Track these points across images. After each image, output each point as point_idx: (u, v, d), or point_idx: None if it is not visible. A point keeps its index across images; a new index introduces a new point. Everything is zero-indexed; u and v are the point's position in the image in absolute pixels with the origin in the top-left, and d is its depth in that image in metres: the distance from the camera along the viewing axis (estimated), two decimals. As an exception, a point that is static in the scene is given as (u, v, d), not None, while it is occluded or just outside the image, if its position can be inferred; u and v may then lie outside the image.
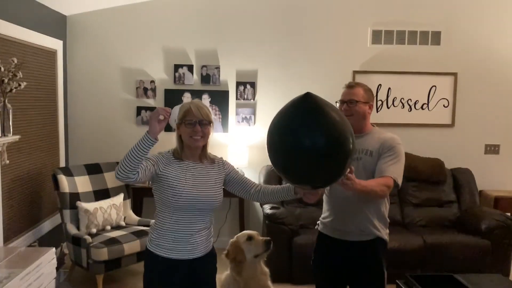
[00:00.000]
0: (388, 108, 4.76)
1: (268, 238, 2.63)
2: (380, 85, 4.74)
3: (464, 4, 4.70)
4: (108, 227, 3.80)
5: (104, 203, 3.86)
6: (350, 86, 2.34)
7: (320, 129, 1.74)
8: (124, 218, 4.02)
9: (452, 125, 4.77)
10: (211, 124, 2.13)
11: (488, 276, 3.00)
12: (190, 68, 4.65)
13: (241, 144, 4.61)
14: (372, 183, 2.15)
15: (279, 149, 1.83)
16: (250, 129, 4.70)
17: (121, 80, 4.66)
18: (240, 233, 2.70)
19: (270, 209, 3.96)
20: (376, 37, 4.69)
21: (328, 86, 4.67)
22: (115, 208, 3.90)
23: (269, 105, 4.70)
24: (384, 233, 2.32)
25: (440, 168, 4.48)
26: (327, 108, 1.79)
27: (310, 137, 1.72)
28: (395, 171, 2.19)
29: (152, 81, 4.65)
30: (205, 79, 4.67)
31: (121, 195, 4.06)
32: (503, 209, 4.42)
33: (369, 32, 4.68)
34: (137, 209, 4.39)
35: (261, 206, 4.37)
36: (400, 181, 2.21)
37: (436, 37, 4.70)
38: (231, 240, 2.66)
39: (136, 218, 4.11)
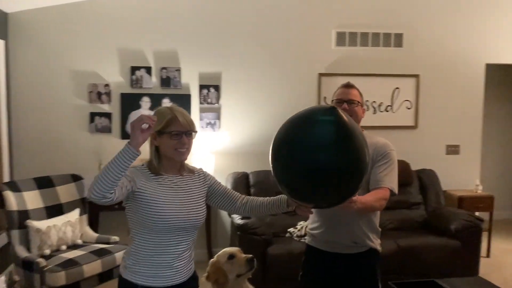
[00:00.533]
0: (353, 110, 4.70)
1: (251, 255, 2.42)
2: (345, 87, 4.67)
3: (425, 6, 4.76)
4: (64, 247, 3.43)
5: (58, 220, 3.47)
6: (349, 86, 2.22)
7: (348, 149, 1.59)
8: (81, 235, 3.65)
9: (415, 126, 4.81)
10: (195, 133, 1.90)
11: (469, 279, 2.99)
12: (149, 70, 4.35)
13: (206, 150, 4.36)
14: (371, 199, 2.04)
15: (289, 166, 1.63)
16: (215, 134, 4.47)
17: (72, 84, 4.26)
18: (221, 251, 2.47)
19: (241, 219, 3.75)
20: (340, 39, 4.63)
21: (294, 89, 4.57)
22: (70, 225, 3.53)
23: (235, 109, 4.50)
24: (377, 243, 2.22)
25: (406, 170, 4.48)
26: (355, 127, 1.63)
27: (334, 157, 1.56)
28: (391, 180, 2.11)
29: (107, 85, 4.29)
30: (165, 82, 4.38)
31: (77, 211, 3.68)
32: (467, 208, 4.50)
33: (333, 34, 4.61)
34: (93, 225, 4.01)
35: (229, 215, 4.15)
36: (396, 190, 2.12)
37: (398, 39, 4.72)
38: (211, 260, 2.43)
39: (94, 235, 3.75)
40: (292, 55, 4.57)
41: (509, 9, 4.88)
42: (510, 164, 6.23)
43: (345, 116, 1.61)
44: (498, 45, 4.89)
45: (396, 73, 4.73)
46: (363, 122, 2.23)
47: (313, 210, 2.26)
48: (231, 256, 2.39)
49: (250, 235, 3.64)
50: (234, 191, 2.05)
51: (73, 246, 3.49)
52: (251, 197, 2.04)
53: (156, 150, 1.87)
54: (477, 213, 4.40)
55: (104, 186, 1.59)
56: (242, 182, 4.28)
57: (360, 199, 1.92)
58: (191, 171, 1.97)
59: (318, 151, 1.56)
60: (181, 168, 1.93)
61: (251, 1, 4.48)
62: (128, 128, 4.31)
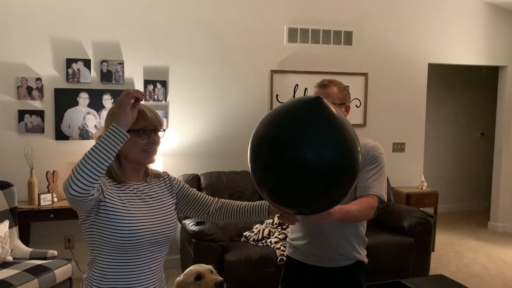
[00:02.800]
0: (305, 108, 4.62)
1: (221, 279, 2.17)
2: (297, 85, 4.58)
3: (374, 5, 4.79)
4: (-9, 266, 2.96)
5: (-17, 236, 3.00)
6: (323, 86, 2.00)
7: (338, 145, 1.40)
8: (11, 251, 3.18)
9: (364, 124, 4.83)
10: (164, 132, 1.63)
11: (431, 278, 2.99)
12: (87, 63, 3.92)
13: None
14: (355, 208, 1.84)
15: (271, 166, 1.42)
16: (163, 134, 4.14)
17: (-4, 77, 3.73)
18: (188, 269, 2.21)
19: (196, 225, 3.49)
20: (292, 35, 4.51)
21: (246, 86, 4.38)
22: (-2, 240, 3.06)
23: (183, 106, 4.21)
24: (364, 255, 2.05)
25: (358, 168, 4.48)
26: (343, 119, 1.45)
27: (320, 154, 1.36)
28: (380, 186, 1.93)
29: (38, 79, 3.81)
30: (106, 76, 3.98)
31: (6, 223, 3.21)
32: (415, 204, 4.61)
33: (285, 30, 4.48)
34: (23, 238, 3.53)
35: (180, 221, 3.87)
36: (385, 196, 1.95)
37: (348, 37, 4.70)
38: (177, 279, 2.15)
39: (27, 249, 3.30)
40: (244, 50, 4.37)
41: (451, 11, 5.06)
42: (449, 160, 6.54)
43: (332, 108, 1.43)
44: (440, 45, 5.06)
45: (346, 71, 4.71)
46: None
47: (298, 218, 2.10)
48: (199, 277, 2.13)
49: (206, 242, 3.40)
50: (205, 195, 1.80)
51: (3, 265, 3.03)
52: (226, 200, 1.80)
53: (116, 156, 1.58)
54: (421, 209, 4.50)
55: (88, 178, 1.31)
56: (193, 184, 4.01)
57: (341, 208, 1.74)
58: (157, 176, 1.69)
59: (303, 149, 1.37)
60: (146, 174, 1.65)
61: (200, -8, 4.22)
62: (64, 127, 3.91)
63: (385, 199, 1.95)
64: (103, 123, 3.92)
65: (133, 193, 1.58)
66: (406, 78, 4.98)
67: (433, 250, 4.71)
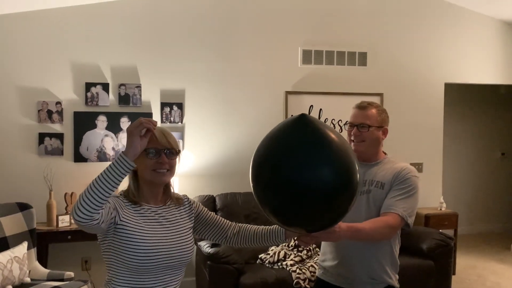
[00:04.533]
0: (320, 129, 4.62)
1: None
2: (311, 106, 4.59)
3: (388, 26, 4.81)
4: (10, 287, 2.99)
5: (3, 257, 3.04)
6: (362, 107, 1.99)
7: (327, 160, 1.41)
8: (29, 272, 3.22)
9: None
10: (179, 154, 1.66)
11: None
12: (105, 87, 4.02)
13: (175, 172, 4.06)
14: (368, 226, 1.80)
15: (269, 185, 1.45)
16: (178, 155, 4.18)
17: (18, 101, 3.84)
18: None
19: (211, 247, 3.48)
20: (306, 57, 4.55)
21: (261, 107, 4.41)
22: (17, 261, 3.10)
23: (199, 128, 4.26)
24: (395, 280, 2.00)
25: (375, 189, 4.43)
26: (331, 133, 1.46)
27: (314, 171, 1.39)
28: (405, 207, 1.86)
29: (58, 103, 3.91)
30: (124, 99, 4.06)
31: (24, 244, 3.26)
32: (433, 226, 4.51)
33: (299, 52, 4.52)
34: (41, 259, 3.57)
35: (196, 243, 3.86)
36: (411, 220, 1.87)
37: (362, 58, 4.72)
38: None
39: (44, 271, 3.33)
40: (258, 72, 4.42)
41: (467, 30, 5.04)
42: (469, 181, 6.41)
43: (316, 124, 1.45)
44: (456, 65, 5.03)
45: (361, 91, 4.70)
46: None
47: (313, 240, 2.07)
48: None
49: (222, 265, 3.38)
50: (223, 219, 1.82)
51: (20, 286, 3.06)
52: (243, 225, 1.82)
53: (134, 175, 1.61)
54: (440, 231, 4.41)
55: (92, 205, 1.35)
56: (208, 206, 4.00)
57: (351, 226, 1.72)
58: (177, 200, 1.72)
59: (286, 167, 1.40)
60: (166, 197, 1.68)
61: (216, 16, 4.30)
62: (83, 149, 3.98)
63: (410, 223, 1.88)
64: (120, 145, 4.01)
65: (151, 216, 1.61)
66: (422, 98, 4.95)
67: (454, 273, 4.58)
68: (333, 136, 1.45)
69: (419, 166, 4.97)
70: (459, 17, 5.02)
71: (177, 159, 1.66)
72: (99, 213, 1.38)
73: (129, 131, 1.43)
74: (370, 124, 1.96)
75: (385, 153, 2.09)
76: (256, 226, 1.80)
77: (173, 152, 1.62)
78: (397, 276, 2.02)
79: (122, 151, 1.42)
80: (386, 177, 1.95)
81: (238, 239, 1.79)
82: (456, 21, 5.01)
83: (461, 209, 5.96)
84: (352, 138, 1.99)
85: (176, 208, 1.69)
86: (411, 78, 4.90)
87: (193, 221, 1.73)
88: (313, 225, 1.53)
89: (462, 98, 6.25)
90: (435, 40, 4.95)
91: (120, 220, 1.52)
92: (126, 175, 1.41)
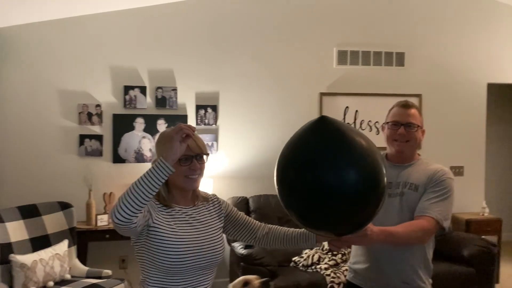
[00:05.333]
0: (356, 131, 4.54)
1: (266, 279, 2.19)
2: (347, 107, 4.52)
3: (426, 25, 4.67)
4: (51, 283, 3.11)
5: (45, 254, 3.16)
6: (407, 106, 1.93)
7: (349, 162, 1.38)
8: (70, 269, 3.33)
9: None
10: (207, 156, 1.66)
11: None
12: (143, 90, 4.11)
13: (204, 174, 4.10)
14: (402, 230, 1.74)
15: (293, 190, 1.44)
16: (213, 157, 4.23)
17: (60, 104, 3.99)
18: (236, 280, 2.25)
19: (245, 248, 3.49)
20: (342, 58, 4.49)
21: (295, 109, 4.38)
22: (58, 258, 3.22)
23: (233, 130, 4.28)
24: (429, 284, 1.94)
25: (413, 193, 4.31)
26: (353, 134, 1.42)
27: (336, 174, 1.36)
28: (440, 210, 1.79)
29: (98, 105, 4.03)
30: (160, 102, 4.14)
31: (65, 242, 3.38)
32: (475, 232, 4.34)
33: (334, 53, 4.47)
34: (81, 257, 3.68)
35: (229, 243, 3.88)
36: (446, 223, 1.81)
37: (400, 58, 4.61)
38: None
39: (83, 268, 3.44)
40: (292, 74, 4.40)
41: (509, 30, 4.83)
42: None
43: (337, 125, 1.41)
44: (499, 64, 4.83)
45: (398, 92, 4.58)
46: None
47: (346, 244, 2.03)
48: (246, 283, 2.18)
49: (255, 266, 3.38)
50: (253, 220, 1.81)
51: (61, 282, 3.18)
52: (273, 226, 1.80)
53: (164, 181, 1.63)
54: (482, 237, 4.23)
55: (131, 208, 1.38)
56: (241, 207, 4.03)
57: (384, 230, 1.67)
58: (205, 199, 1.73)
59: (308, 171, 1.37)
60: (194, 197, 1.69)
61: (250, 19, 4.32)
62: (121, 151, 4.09)
63: (445, 226, 1.81)
64: (156, 147, 4.08)
65: (182, 218, 1.62)
66: (463, 99, 4.78)
67: (497, 282, 4.39)
68: (355, 137, 1.41)
69: (459, 169, 4.80)
70: (502, 14, 4.81)
71: (205, 162, 1.66)
72: (137, 216, 1.41)
73: (170, 136, 1.45)
74: (416, 124, 1.90)
75: (418, 154, 2.02)
76: (287, 228, 1.78)
77: (202, 156, 1.62)
78: (431, 281, 1.96)
79: (162, 156, 1.43)
80: (420, 179, 1.88)
81: (268, 240, 1.77)
82: (499, 18, 4.81)
83: (506, 215, 5.69)
84: (397, 137, 1.92)
85: (205, 208, 1.70)
86: (451, 79, 4.74)
87: (222, 221, 1.73)
88: (340, 229, 1.50)
89: (506, 98, 5.99)
90: (476, 39, 4.77)
91: (153, 222, 1.54)
92: (165, 180, 1.42)
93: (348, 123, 4.52)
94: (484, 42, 4.78)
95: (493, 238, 4.40)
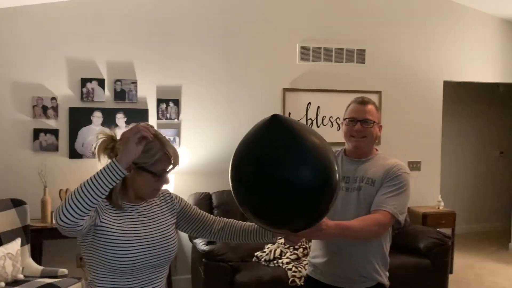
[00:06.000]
0: (318, 127, 4.59)
1: None
2: (309, 103, 4.56)
3: (386, 23, 4.77)
4: (2, 284, 2.98)
5: (-5, 254, 3.02)
6: (364, 102, 1.95)
7: (301, 159, 1.39)
8: (23, 269, 3.19)
9: (378, 143, 4.76)
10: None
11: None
12: (101, 82, 3.98)
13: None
14: (357, 224, 1.76)
15: (247, 187, 1.43)
16: (174, 154, 4.15)
17: (12, 97, 3.80)
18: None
19: (207, 244, 3.46)
20: (305, 54, 4.52)
21: (258, 104, 4.37)
22: (10, 258, 3.08)
23: (196, 125, 4.23)
24: (385, 277, 1.97)
25: (372, 188, 4.40)
26: (305, 131, 1.44)
27: (288, 170, 1.37)
28: (396, 204, 1.82)
29: (54, 98, 3.87)
30: (120, 95, 4.03)
31: (18, 241, 3.23)
32: (431, 225, 4.50)
33: (297, 49, 4.49)
34: (35, 256, 3.54)
35: (191, 240, 3.84)
36: (402, 217, 1.83)
37: (361, 56, 4.69)
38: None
39: (38, 267, 3.30)
40: (256, 69, 4.39)
41: (466, 29, 5.01)
42: (467, 179, 6.39)
43: (288, 124, 1.43)
44: (455, 63, 5.00)
45: (359, 89, 4.66)
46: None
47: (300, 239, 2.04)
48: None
49: (217, 262, 3.36)
50: (207, 214, 1.78)
51: (13, 283, 3.04)
52: (229, 220, 1.77)
53: (124, 181, 1.54)
54: (438, 229, 4.39)
55: (78, 211, 1.30)
56: (204, 203, 3.99)
57: (339, 224, 1.69)
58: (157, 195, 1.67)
59: (261, 169, 1.39)
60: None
61: (214, 13, 4.26)
62: (78, 146, 3.95)
63: (401, 220, 1.84)
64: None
65: (131, 215, 1.56)
66: (421, 96, 4.92)
67: (451, 273, 4.56)
68: (307, 134, 1.43)
69: (417, 165, 4.96)
70: (459, 14, 4.99)
71: None
72: (84, 219, 1.34)
73: (126, 137, 1.38)
74: (373, 120, 1.93)
75: (376, 149, 2.06)
76: (243, 222, 1.75)
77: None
78: (387, 274, 2.00)
79: (115, 158, 1.37)
80: (377, 174, 1.91)
81: (224, 235, 1.74)
82: (456, 18, 4.98)
83: (459, 208, 5.93)
84: (354, 134, 1.95)
85: (157, 204, 1.65)
86: (410, 76, 4.87)
87: (175, 216, 1.69)
88: (295, 225, 1.50)
89: (461, 96, 6.23)
90: (434, 38, 4.92)
91: (100, 221, 1.47)
92: (117, 182, 1.36)
93: (310, 119, 4.58)
94: (441, 41, 4.94)
95: (447, 231, 4.58)
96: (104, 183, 1.33)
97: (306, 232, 1.56)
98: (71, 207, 1.30)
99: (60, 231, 1.37)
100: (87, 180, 1.34)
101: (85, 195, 1.31)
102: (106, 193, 1.35)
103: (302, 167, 1.37)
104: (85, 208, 1.32)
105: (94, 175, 1.34)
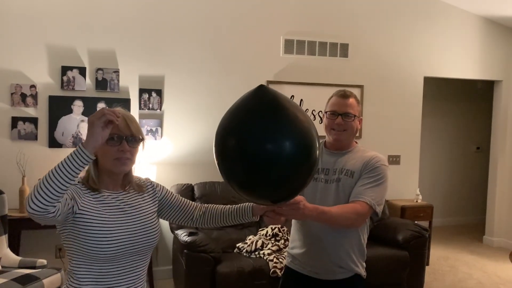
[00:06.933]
0: (300, 120, 4.62)
1: None
2: (293, 96, 4.58)
3: (369, 18, 4.81)
4: (-21, 275, 2.91)
5: (-28, 244, 2.95)
6: (346, 96, 1.97)
7: (287, 129, 1.42)
8: (0, 259, 3.13)
9: (359, 137, 4.82)
10: (143, 141, 1.58)
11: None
12: (82, 71, 3.91)
13: (147, 160, 4.01)
14: (334, 210, 1.78)
15: (231, 156, 1.45)
16: (157, 143, 4.13)
17: (-10, 83, 3.71)
18: None
19: (188, 235, 3.45)
20: (288, 47, 4.53)
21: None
22: (-13, 248, 3.01)
23: (178, 116, 4.20)
24: (362, 268, 2.01)
25: (353, 181, 4.46)
26: (290, 104, 1.47)
27: (274, 140, 1.39)
28: (374, 196, 1.85)
29: (33, 86, 3.79)
30: (101, 84, 3.97)
31: (-5, 231, 3.17)
32: (410, 217, 4.59)
33: (281, 41, 4.49)
34: (13, 246, 3.48)
35: (172, 231, 3.83)
36: (379, 208, 1.86)
37: (344, 49, 4.72)
38: None
39: (16, 258, 3.25)
40: (240, 61, 4.38)
41: (447, 26, 5.10)
42: (444, 174, 6.53)
43: (274, 93, 1.46)
44: (435, 59, 5.09)
45: (342, 83, 4.71)
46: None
47: (293, 224, 2.07)
48: None
49: (198, 253, 3.36)
50: (188, 201, 1.78)
51: (-10, 273, 2.98)
52: (209, 205, 1.78)
53: (94, 162, 1.54)
54: (416, 222, 4.48)
55: (47, 197, 1.28)
56: (186, 194, 3.98)
57: (316, 208, 1.71)
58: (140, 187, 1.66)
59: (244, 137, 1.41)
60: (125, 182, 1.62)
61: (198, 3, 4.22)
62: (58, 135, 3.88)
63: (379, 211, 1.87)
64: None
65: (111, 203, 1.55)
66: (401, 91, 4.99)
67: (427, 264, 4.67)
68: (291, 107, 1.45)
69: (396, 158, 5.04)
70: (441, 12, 5.06)
71: (140, 147, 1.58)
72: (55, 206, 1.31)
73: (91, 121, 1.36)
74: (354, 114, 1.95)
75: (356, 142, 2.09)
76: (223, 206, 1.77)
77: (136, 139, 1.54)
78: (364, 265, 2.04)
79: (81, 142, 1.36)
80: (356, 166, 1.94)
81: (205, 220, 1.75)
82: (438, 16, 5.05)
83: (436, 201, 6.08)
84: (334, 127, 1.96)
85: (138, 193, 1.64)
86: (391, 71, 4.94)
87: (157, 204, 1.68)
88: (276, 195, 1.51)
89: (440, 92, 6.34)
90: (416, 34, 4.99)
91: (79, 209, 1.46)
92: (84, 167, 1.35)
93: (293, 111, 4.60)
94: (422, 38, 5.02)
95: (425, 223, 4.68)
96: (71, 168, 1.31)
97: (285, 210, 1.59)
98: (40, 194, 1.28)
99: (33, 219, 1.34)
100: (54, 167, 1.32)
101: (53, 181, 1.29)
102: (75, 179, 1.33)
103: (283, 138, 1.40)
104: (54, 195, 1.30)
105: (61, 161, 1.32)
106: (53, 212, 1.32)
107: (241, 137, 1.41)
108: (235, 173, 1.47)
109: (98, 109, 3.90)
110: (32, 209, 1.28)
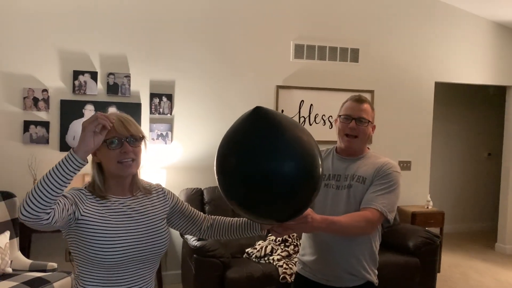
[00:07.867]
0: (310, 125, 4.61)
1: None
2: (302, 101, 4.57)
3: (380, 23, 4.80)
4: (-10, 278, 2.93)
5: (-16, 246, 2.98)
6: (360, 101, 1.95)
7: (283, 151, 1.39)
8: (11, 263, 3.15)
9: (370, 142, 4.78)
10: (144, 140, 1.55)
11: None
12: (94, 75, 3.94)
13: (157, 164, 4.02)
14: (344, 220, 1.75)
15: (232, 179, 1.43)
16: (167, 147, 4.14)
17: (3, 88, 3.75)
18: None
19: (198, 240, 3.45)
20: (299, 51, 4.52)
21: (252, 100, 4.37)
22: (-2, 251, 3.03)
23: (189, 120, 4.21)
24: (374, 276, 1.98)
25: (363, 186, 4.43)
26: (287, 124, 1.44)
27: (270, 162, 1.37)
28: (385, 202, 1.81)
29: (45, 90, 3.82)
30: (112, 89, 3.99)
31: (6, 234, 3.19)
32: (420, 224, 4.54)
33: (291, 46, 4.49)
34: (24, 250, 3.50)
35: (182, 236, 3.83)
36: (391, 216, 1.83)
37: (354, 55, 4.70)
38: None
39: (26, 261, 3.26)
40: (250, 66, 4.38)
41: (458, 31, 5.06)
42: (455, 180, 6.46)
43: (271, 115, 1.43)
44: (446, 65, 5.05)
45: (352, 88, 4.69)
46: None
47: (304, 234, 2.05)
48: None
49: (208, 258, 3.35)
50: (197, 211, 1.76)
51: (1, 276, 3.00)
52: (217, 217, 1.76)
53: (99, 168, 1.52)
54: (426, 228, 4.43)
55: (38, 204, 1.26)
56: (196, 199, 3.99)
57: (325, 219, 1.68)
58: (148, 190, 1.63)
59: (243, 160, 1.39)
60: (133, 187, 1.59)
61: (208, 8, 4.24)
62: (69, 139, 3.91)
63: (390, 218, 1.84)
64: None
65: (118, 208, 1.52)
66: (412, 96, 4.96)
67: (439, 271, 4.62)
68: (289, 127, 1.43)
69: (407, 164, 5.00)
70: (452, 16, 5.03)
71: (142, 146, 1.55)
72: (47, 213, 1.29)
73: (83, 126, 1.34)
74: (367, 119, 1.93)
75: (368, 148, 2.06)
76: (231, 218, 1.74)
77: (137, 138, 1.51)
78: (376, 272, 2.01)
79: (73, 148, 1.33)
80: (368, 172, 1.91)
81: (213, 232, 1.73)
82: (449, 20, 5.02)
83: (447, 208, 6.02)
84: (348, 131, 1.94)
85: (147, 199, 1.62)
86: (402, 76, 4.91)
87: (167, 212, 1.66)
88: (280, 215, 1.50)
89: (452, 97, 6.29)
90: (427, 39, 4.96)
91: (81, 214, 1.44)
92: (76, 173, 1.32)
93: (303, 116, 4.59)
94: (434, 43, 4.98)
95: (436, 230, 4.63)
96: (62, 174, 1.29)
97: (291, 224, 1.57)
98: (31, 201, 1.26)
99: (27, 226, 1.33)
100: (47, 173, 1.30)
101: (44, 188, 1.27)
102: (66, 185, 1.30)
103: (282, 159, 1.38)
104: (46, 202, 1.27)
105: (53, 168, 1.30)
106: (47, 219, 1.29)
107: (239, 161, 1.39)
108: (234, 195, 1.45)
109: (109, 113, 3.93)
110: (24, 215, 1.26)
